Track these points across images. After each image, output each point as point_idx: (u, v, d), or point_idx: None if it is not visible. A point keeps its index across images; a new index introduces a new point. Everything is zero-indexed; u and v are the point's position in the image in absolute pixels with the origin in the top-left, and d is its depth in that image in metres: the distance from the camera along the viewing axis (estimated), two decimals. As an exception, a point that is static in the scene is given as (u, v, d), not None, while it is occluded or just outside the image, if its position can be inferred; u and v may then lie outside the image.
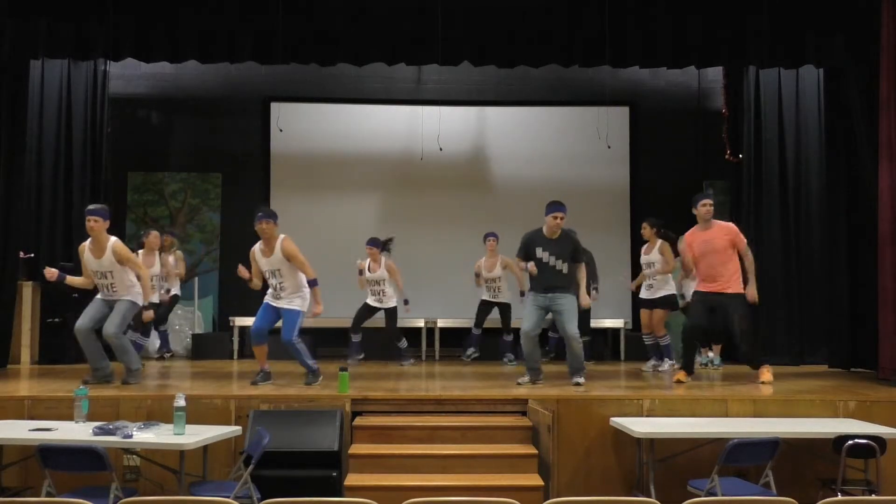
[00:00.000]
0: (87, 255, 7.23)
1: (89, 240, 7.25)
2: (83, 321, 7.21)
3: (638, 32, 8.68)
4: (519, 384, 7.34)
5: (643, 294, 8.83)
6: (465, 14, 8.61)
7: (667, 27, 8.65)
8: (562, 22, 8.73)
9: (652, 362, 8.82)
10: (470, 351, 10.06)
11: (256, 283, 7.54)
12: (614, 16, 8.52)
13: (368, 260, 9.51)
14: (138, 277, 7.26)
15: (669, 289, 8.67)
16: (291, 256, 7.28)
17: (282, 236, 7.34)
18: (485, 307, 10.01)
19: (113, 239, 7.23)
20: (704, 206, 7.72)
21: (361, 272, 9.46)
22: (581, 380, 7.24)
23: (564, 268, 7.39)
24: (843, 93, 8.74)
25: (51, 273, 7.24)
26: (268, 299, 7.45)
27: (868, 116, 8.28)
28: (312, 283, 7.38)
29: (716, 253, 7.61)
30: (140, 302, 7.28)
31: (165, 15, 8.45)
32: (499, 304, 9.94)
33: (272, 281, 7.38)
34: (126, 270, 7.22)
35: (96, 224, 7.14)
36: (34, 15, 8.33)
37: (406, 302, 9.62)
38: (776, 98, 10.02)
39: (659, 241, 8.71)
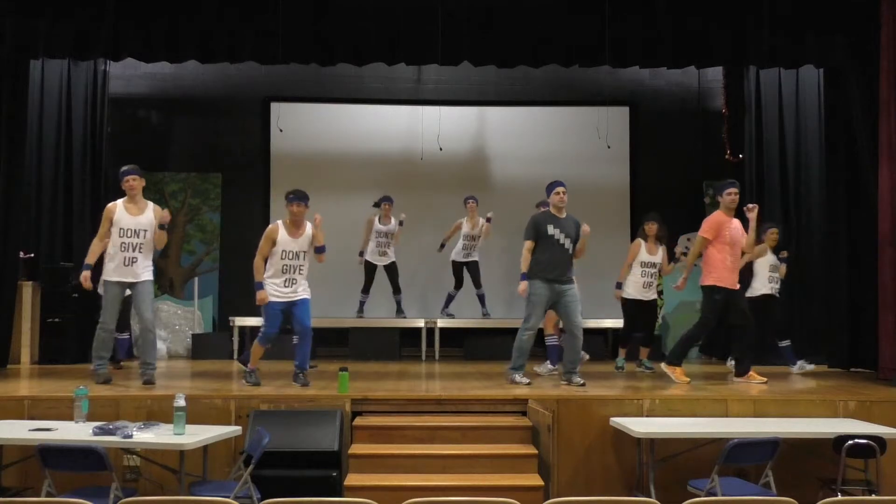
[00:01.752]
0: (121, 214, 7.11)
1: (122, 200, 7.22)
2: (111, 317, 7.17)
3: (638, 32, 8.67)
4: (528, 383, 7.26)
5: None
6: (465, 14, 8.60)
7: (667, 27, 8.64)
8: (562, 22, 8.72)
9: (548, 365, 8.45)
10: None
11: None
12: (614, 16, 8.51)
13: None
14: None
15: None
16: (318, 236, 7.17)
17: (307, 222, 7.24)
18: (458, 268, 10.69)
19: (151, 203, 7.31)
20: (730, 195, 7.64)
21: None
22: (580, 379, 7.25)
23: (571, 248, 7.48)
24: (843, 93, 8.75)
25: (87, 283, 7.16)
26: (280, 298, 7.15)
27: (868, 116, 8.29)
28: (320, 250, 7.22)
29: (738, 245, 7.63)
30: (151, 277, 7.27)
31: (165, 15, 8.43)
32: (468, 263, 10.63)
33: (293, 263, 7.14)
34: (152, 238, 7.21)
35: (136, 182, 7.18)
36: (34, 15, 8.32)
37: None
38: (776, 98, 10.01)
39: None
